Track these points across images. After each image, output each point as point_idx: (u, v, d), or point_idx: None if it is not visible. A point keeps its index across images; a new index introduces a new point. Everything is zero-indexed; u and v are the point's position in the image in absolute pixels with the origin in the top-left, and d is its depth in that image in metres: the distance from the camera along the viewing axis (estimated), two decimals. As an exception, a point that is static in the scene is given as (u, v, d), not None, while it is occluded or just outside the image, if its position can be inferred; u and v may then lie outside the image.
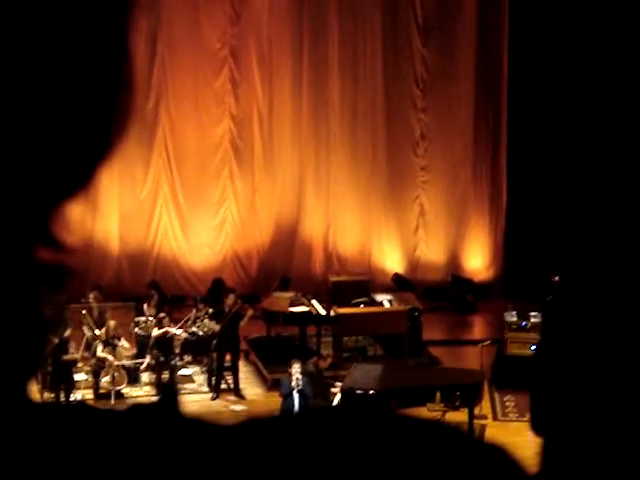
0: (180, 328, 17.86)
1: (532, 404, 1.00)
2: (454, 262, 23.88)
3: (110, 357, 16.78)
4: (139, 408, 0.81)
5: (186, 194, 22.69)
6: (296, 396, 14.26)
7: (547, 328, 1.02)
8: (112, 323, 17.15)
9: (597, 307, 0.95)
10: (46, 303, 0.80)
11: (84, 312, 17.21)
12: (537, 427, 0.99)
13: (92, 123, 0.80)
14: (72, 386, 16.29)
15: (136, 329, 17.97)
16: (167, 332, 17.43)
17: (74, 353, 16.32)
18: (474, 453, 0.83)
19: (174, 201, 22.61)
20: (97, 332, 16.92)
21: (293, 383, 14.28)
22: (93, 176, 0.81)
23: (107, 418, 0.80)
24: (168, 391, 0.79)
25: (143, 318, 18.13)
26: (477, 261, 24.05)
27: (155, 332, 17.56)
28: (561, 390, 0.94)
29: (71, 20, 0.77)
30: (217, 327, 17.36)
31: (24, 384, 0.79)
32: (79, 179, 0.80)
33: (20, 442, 0.76)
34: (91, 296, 17.97)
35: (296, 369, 14.39)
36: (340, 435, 0.81)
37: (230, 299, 17.72)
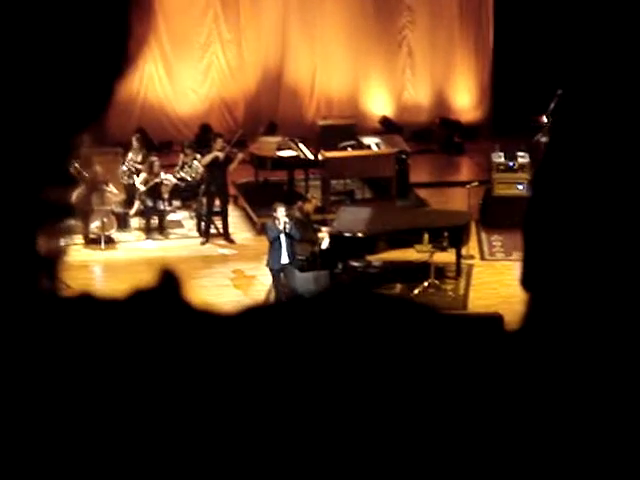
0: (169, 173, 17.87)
1: (524, 258, 0.99)
2: (441, 103, 23.74)
3: (94, 202, 16.75)
4: (140, 296, 0.81)
5: (171, 38, 22.32)
6: (284, 240, 14.33)
7: (543, 167, 0.99)
8: (99, 169, 17.07)
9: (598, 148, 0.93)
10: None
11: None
12: (527, 283, 0.97)
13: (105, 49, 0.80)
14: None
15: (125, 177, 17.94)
16: (148, 180, 17.38)
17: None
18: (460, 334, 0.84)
19: (158, 45, 22.24)
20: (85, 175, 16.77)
21: (280, 226, 14.31)
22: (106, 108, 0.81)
23: (110, 308, 0.80)
24: (169, 277, 0.80)
25: (124, 167, 18.03)
26: (464, 100, 23.91)
27: (140, 178, 17.54)
28: (556, 244, 0.93)
29: None
30: (208, 159, 17.22)
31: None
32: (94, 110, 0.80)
33: (26, 334, 0.76)
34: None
35: (281, 212, 14.39)
36: (334, 326, 0.81)
37: (218, 143, 17.65)
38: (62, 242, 0.81)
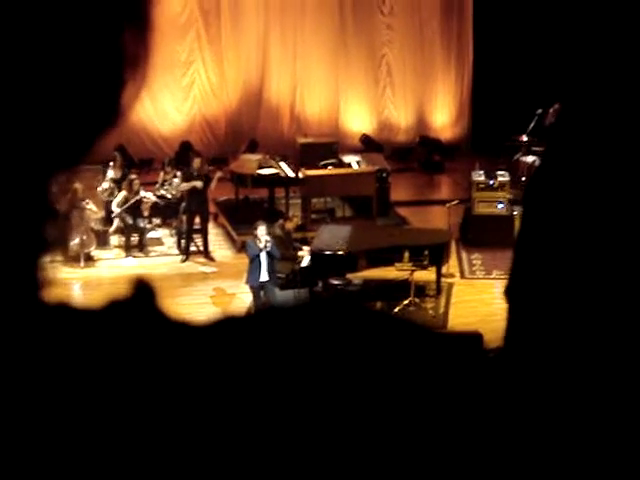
0: (149, 191, 17.84)
1: (512, 269, 0.98)
2: (421, 121, 23.84)
3: (73, 220, 16.69)
4: (116, 306, 0.81)
5: (152, 57, 22.28)
6: (264, 257, 14.32)
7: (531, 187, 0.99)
8: (78, 186, 17.01)
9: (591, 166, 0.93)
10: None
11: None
12: (512, 294, 0.97)
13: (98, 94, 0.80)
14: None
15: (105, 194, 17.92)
16: (128, 198, 17.35)
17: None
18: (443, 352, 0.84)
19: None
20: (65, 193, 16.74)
21: (261, 245, 14.31)
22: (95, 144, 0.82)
23: (86, 317, 0.80)
24: (144, 287, 0.80)
25: (106, 185, 18.00)
26: (444, 119, 24.01)
27: (119, 197, 17.52)
28: (547, 256, 0.93)
29: None
30: (198, 184, 17.21)
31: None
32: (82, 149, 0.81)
33: (2, 343, 0.76)
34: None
35: (261, 230, 14.40)
36: (310, 338, 0.81)
37: (196, 162, 17.64)
38: (46, 275, 0.81)
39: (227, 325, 0.83)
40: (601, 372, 0.87)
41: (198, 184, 17.18)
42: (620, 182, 0.89)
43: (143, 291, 0.83)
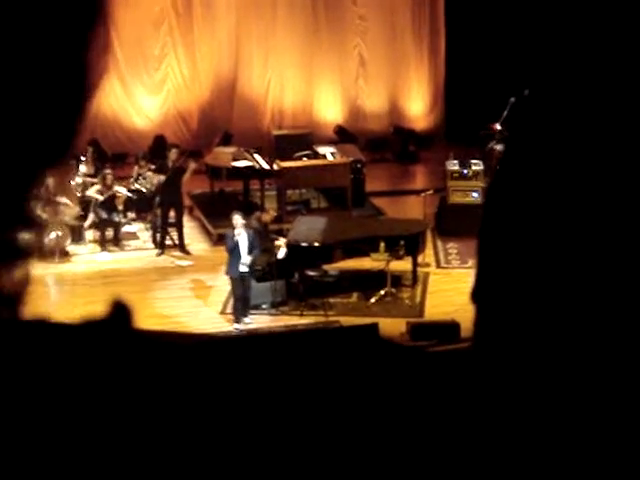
0: (123, 186, 17.78)
1: (477, 272, 0.97)
2: (395, 111, 23.85)
3: (48, 215, 16.63)
4: (93, 325, 0.81)
5: (124, 50, 22.22)
6: (243, 250, 14.29)
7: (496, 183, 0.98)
8: (51, 181, 16.92)
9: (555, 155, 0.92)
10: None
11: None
12: (478, 297, 0.96)
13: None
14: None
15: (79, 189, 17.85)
16: (102, 192, 17.30)
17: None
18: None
19: (113, 58, 22.14)
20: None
21: (236, 237, 14.28)
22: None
23: (62, 333, 0.80)
24: (119, 307, 0.79)
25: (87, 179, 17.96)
26: (418, 109, 24.04)
27: (92, 191, 17.46)
28: (510, 257, 0.92)
29: None
30: (161, 177, 17.21)
31: None
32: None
33: None
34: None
35: (236, 219, 14.35)
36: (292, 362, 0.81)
37: (173, 154, 17.61)
38: (23, 277, 0.81)
39: (205, 348, 0.83)
40: (567, 369, 0.87)
41: (161, 178, 17.16)
42: (584, 173, 0.89)
43: (119, 312, 0.83)
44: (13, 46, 0.76)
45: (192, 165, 17.82)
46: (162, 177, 17.21)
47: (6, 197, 0.78)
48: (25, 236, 0.79)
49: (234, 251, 14.30)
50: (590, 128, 0.89)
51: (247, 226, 14.52)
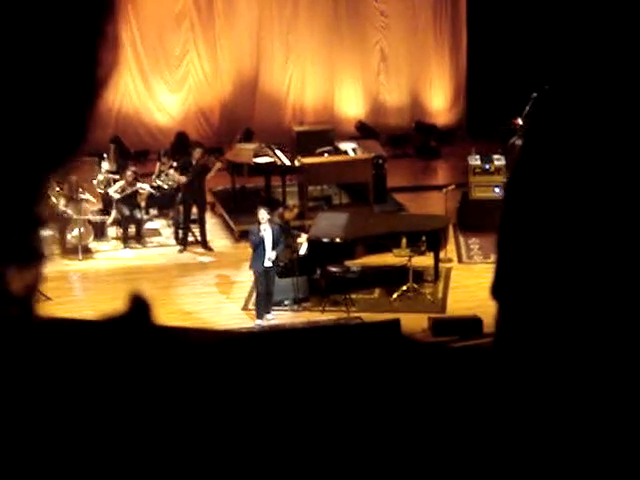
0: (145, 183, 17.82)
1: (496, 268, 0.97)
2: (417, 106, 23.80)
3: (71, 212, 16.69)
4: (110, 321, 0.81)
5: (146, 47, 22.29)
6: (268, 245, 14.29)
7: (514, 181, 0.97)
8: (74, 178, 16.99)
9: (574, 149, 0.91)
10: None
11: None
12: (498, 292, 0.96)
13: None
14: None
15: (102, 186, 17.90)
16: (125, 189, 17.34)
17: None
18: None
19: (134, 54, 22.20)
20: (57, 188, 16.72)
21: (262, 233, 14.28)
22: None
23: (82, 330, 0.80)
24: (139, 302, 0.79)
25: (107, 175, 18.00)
26: (439, 104, 23.98)
27: (116, 185, 17.51)
28: (529, 253, 0.91)
29: None
30: (182, 179, 17.28)
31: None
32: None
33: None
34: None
35: (262, 214, 14.36)
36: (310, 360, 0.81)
37: (197, 152, 17.62)
38: (34, 278, 0.81)
39: (225, 346, 0.83)
40: (591, 368, 0.87)
41: (182, 179, 17.19)
42: (604, 168, 0.88)
43: (138, 307, 0.83)
44: (16, 46, 0.76)
45: (217, 164, 17.87)
46: (183, 178, 17.23)
47: (15, 198, 0.78)
48: (42, 235, 0.79)
49: (259, 246, 14.30)
50: (611, 123, 0.89)
51: (271, 222, 14.53)
